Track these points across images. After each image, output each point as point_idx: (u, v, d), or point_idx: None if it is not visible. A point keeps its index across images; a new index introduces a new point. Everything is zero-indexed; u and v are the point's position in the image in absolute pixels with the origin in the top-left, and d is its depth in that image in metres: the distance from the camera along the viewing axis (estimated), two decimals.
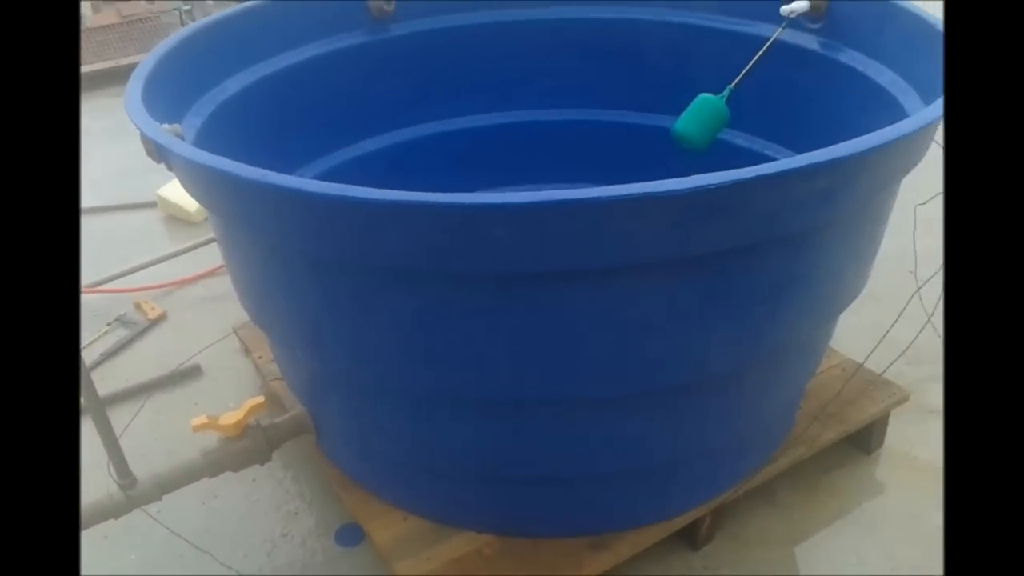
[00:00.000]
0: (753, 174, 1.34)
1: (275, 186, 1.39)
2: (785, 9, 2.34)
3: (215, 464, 2.01)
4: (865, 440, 2.36)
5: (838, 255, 1.72)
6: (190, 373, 2.80)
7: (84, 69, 5.25)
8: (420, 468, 1.95)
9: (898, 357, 2.19)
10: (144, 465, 1.96)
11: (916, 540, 2.14)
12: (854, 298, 1.91)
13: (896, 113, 2.05)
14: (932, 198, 2.21)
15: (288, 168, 2.52)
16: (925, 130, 1.53)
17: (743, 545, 2.14)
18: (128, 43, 5.62)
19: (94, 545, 2.16)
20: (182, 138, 1.73)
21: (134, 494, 1.89)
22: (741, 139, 2.62)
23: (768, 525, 2.20)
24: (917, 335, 2.15)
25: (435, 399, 1.74)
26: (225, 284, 3.04)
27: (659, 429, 1.83)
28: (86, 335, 3.00)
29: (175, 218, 3.77)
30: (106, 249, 3.47)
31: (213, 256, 3.26)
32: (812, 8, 2.35)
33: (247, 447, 2.02)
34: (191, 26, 2.25)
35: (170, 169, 1.71)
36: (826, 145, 1.40)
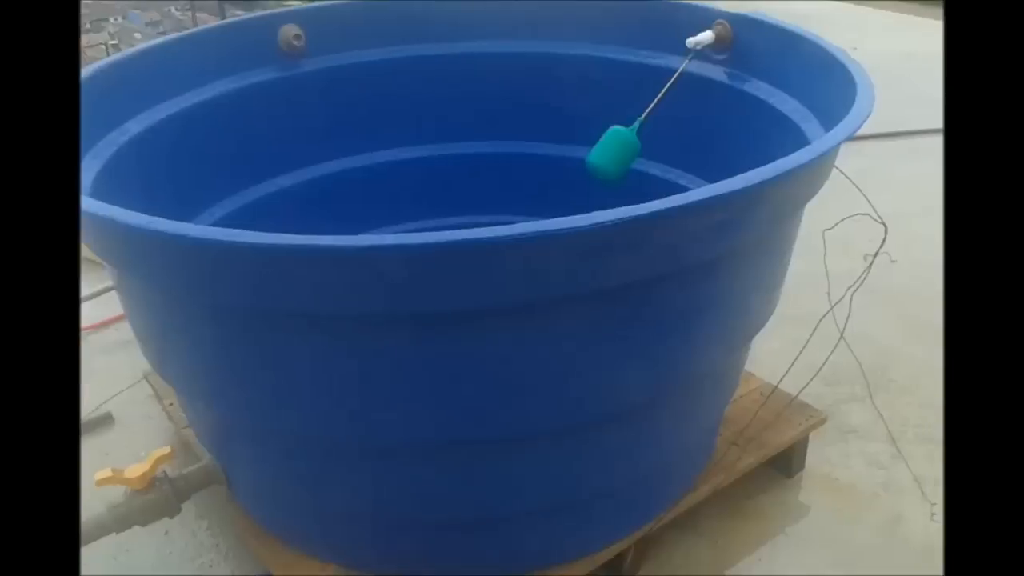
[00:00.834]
0: (648, 211, 1.34)
1: (161, 233, 1.34)
2: (691, 41, 2.38)
3: (121, 519, 1.93)
4: (786, 463, 2.38)
5: (745, 282, 1.73)
6: (101, 421, 2.69)
7: None
8: (332, 515, 1.90)
9: (812, 378, 2.21)
10: None
11: (841, 562, 2.16)
12: (764, 323, 1.93)
13: (798, 139, 2.09)
14: (838, 223, 2.27)
15: (197, 208, 2.45)
16: (822, 159, 1.56)
17: (670, 574, 2.13)
18: None
19: None
20: None
21: None
22: (656, 169, 2.64)
23: (694, 553, 2.19)
24: (830, 354, 2.19)
25: (343, 445, 1.70)
26: None
27: (578, 463, 1.81)
28: None
29: (88, 259, 3.64)
30: None
31: None
32: (717, 39, 2.39)
33: (154, 500, 1.94)
34: (89, 66, 2.18)
35: None
36: (735, 173, 1.41)
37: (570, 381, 1.58)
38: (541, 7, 2.72)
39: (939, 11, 6.38)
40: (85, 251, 3.58)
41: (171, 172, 2.29)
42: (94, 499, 2.03)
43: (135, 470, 1.92)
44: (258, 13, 2.67)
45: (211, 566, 2.19)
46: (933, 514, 2.26)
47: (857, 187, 2.03)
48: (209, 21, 5.17)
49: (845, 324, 2.13)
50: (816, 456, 2.44)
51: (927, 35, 6.13)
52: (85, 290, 3.31)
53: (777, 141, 2.21)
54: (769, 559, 2.18)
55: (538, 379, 1.56)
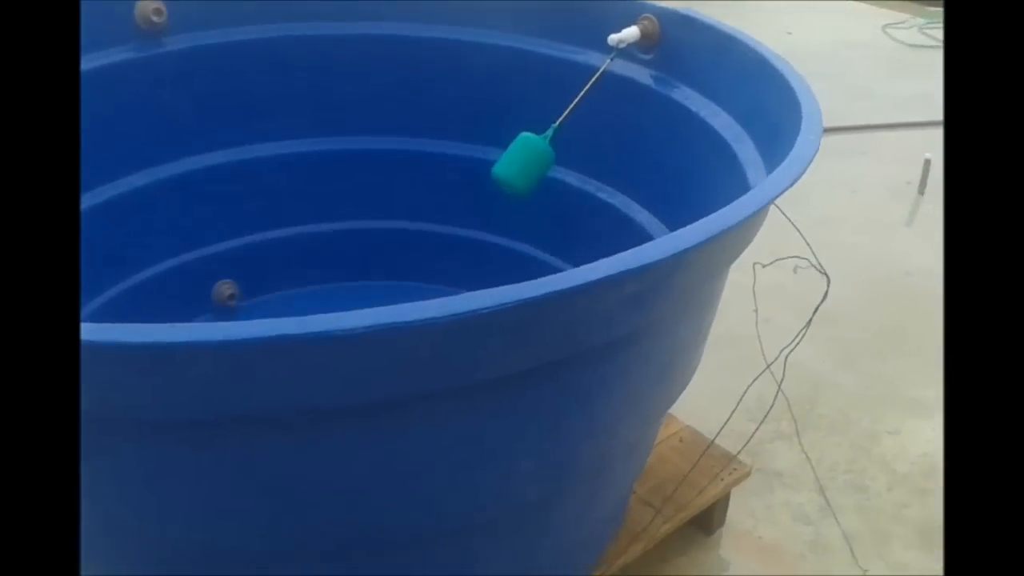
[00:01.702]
0: (542, 291, 1.03)
1: None
2: (613, 38, 2.06)
3: None
4: (706, 520, 2.12)
5: (662, 352, 1.44)
6: None
7: None
8: None
9: (732, 413, 1.93)
10: None
11: None
12: (684, 388, 1.65)
13: (730, 164, 1.81)
14: (773, 262, 2.00)
15: None
16: (756, 216, 1.27)
17: None
18: None
19: None
20: None
21: None
22: (573, 178, 2.33)
23: None
24: (751, 383, 1.93)
25: (177, 558, 1.36)
26: None
27: (482, 560, 1.51)
28: None
29: None
30: None
31: None
32: (643, 36, 2.07)
33: None
34: None
35: None
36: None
37: (448, 484, 1.27)
38: None
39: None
40: None
41: None
42: None
43: None
44: None
45: None
46: None
47: (795, 227, 1.75)
48: None
49: (783, 361, 1.86)
50: (739, 508, 2.19)
51: (863, 22, 5.93)
52: None
53: (707, 160, 1.93)
54: None
55: (407, 484, 1.24)
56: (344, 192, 2.52)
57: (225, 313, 2.49)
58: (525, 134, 2.07)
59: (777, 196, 1.25)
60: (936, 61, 4.89)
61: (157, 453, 1.16)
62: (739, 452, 2.08)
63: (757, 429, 2.12)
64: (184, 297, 2.42)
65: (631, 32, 2.06)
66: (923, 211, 3.67)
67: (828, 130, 4.36)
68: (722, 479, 2.06)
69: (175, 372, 1.01)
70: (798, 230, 1.73)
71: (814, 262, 1.72)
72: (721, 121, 1.91)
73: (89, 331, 0.92)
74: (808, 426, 2.47)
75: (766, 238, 1.58)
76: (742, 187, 1.70)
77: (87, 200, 2.20)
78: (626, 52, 2.11)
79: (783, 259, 1.87)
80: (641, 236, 2.15)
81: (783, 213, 1.64)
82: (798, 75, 1.75)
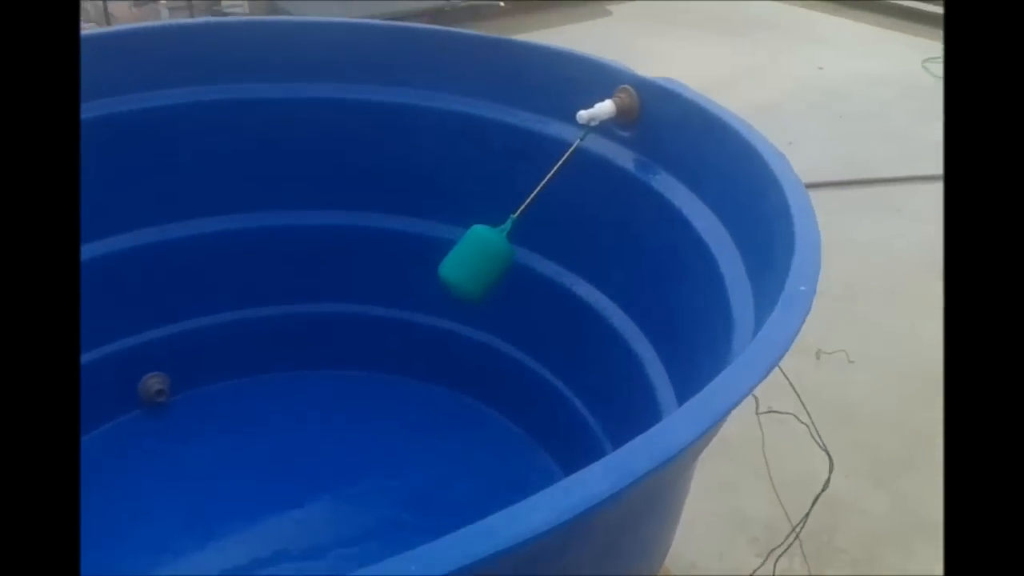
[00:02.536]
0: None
1: None
2: (583, 115, 1.72)
3: None
4: None
5: (620, 555, 1.10)
6: None
7: None
8: None
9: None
10: None
11: None
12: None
13: (711, 274, 1.47)
14: (766, 412, 1.64)
15: None
16: (720, 420, 0.92)
17: None
18: None
19: None
20: None
21: None
22: (548, 267, 2.00)
23: None
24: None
25: None
26: None
27: None
28: None
29: None
30: None
31: None
32: (619, 112, 1.74)
33: None
34: None
35: None
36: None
37: None
38: (398, 47, 2.04)
39: (923, 27, 5.77)
40: None
41: None
42: None
43: None
44: None
45: None
46: None
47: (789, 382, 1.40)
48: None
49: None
50: None
51: (901, 55, 5.51)
52: None
53: (687, 267, 1.61)
54: None
55: None
56: (283, 272, 2.21)
57: (155, 410, 2.20)
58: (478, 228, 1.75)
59: (741, 399, 0.91)
60: None
61: None
62: None
63: (761, 566, 1.77)
64: (108, 392, 2.12)
65: (605, 108, 1.73)
66: None
67: (857, 182, 4.02)
68: None
69: None
70: (793, 387, 1.38)
71: (813, 434, 1.36)
72: (705, 223, 1.57)
73: None
74: (825, 562, 2.09)
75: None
76: (723, 309, 1.38)
77: None
78: (602, 126, 1.78)
79: (779, 413, 1.52)
80: (613, 337, 1.84)
81: (782, 372, 1.29)
82: (795, 181, 1.40)
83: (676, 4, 6.12)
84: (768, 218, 1.38)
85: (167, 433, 2.12)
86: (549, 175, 1.76)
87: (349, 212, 2.17)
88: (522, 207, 1.75)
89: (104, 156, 1.98)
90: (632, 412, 1.73)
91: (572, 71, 1.88)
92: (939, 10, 5.70)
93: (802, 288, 1.05)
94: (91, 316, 2.02)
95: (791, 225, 1.28)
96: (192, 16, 4.75)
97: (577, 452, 1.93)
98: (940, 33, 5.68)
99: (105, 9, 4.64)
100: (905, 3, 6.06)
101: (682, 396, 1.55)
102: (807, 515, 1.42)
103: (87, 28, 4.10)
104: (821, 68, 5.16)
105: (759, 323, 1.27)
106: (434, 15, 5.18)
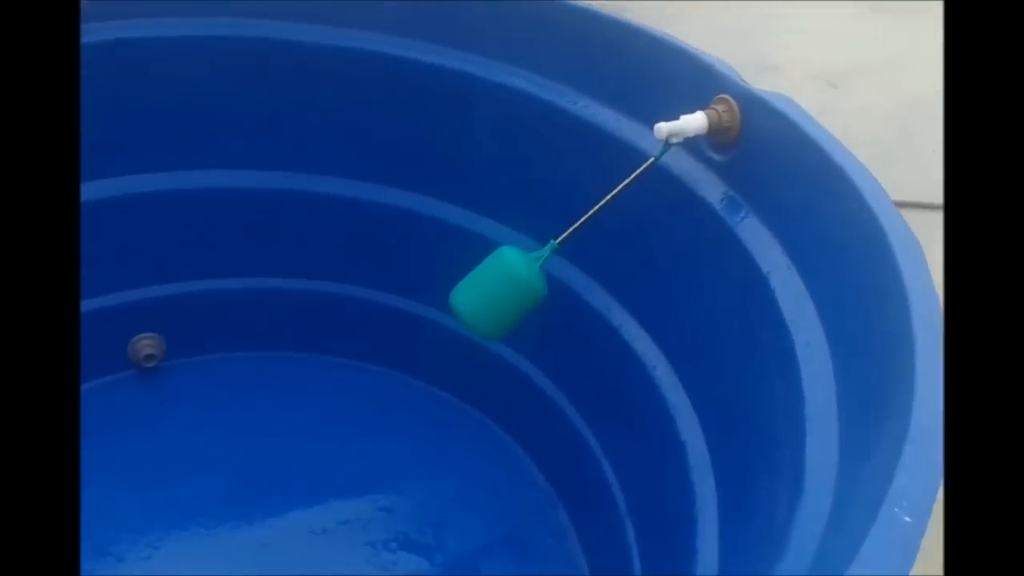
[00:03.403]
0: None
1: None
2: (663, 129, 1.34)
3: None
4: None
5: None
6: None
7: None
8: None
9: None
10: None
11: None
12: None
13: (788, 371, 1.11)
14: None
15: None
16: None
17: None
18: None
19: None
20: None
21: None
22: (598, 299, 1.64)
23: None
24: None
25: None
26: None
27: None
28: None
29: None
30: None
31: None
32: (713, 131, 1.35)
33: None
34: None
35: None
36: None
37: None
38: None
39: None
40: None
41: None
42: None
43: None
44: None
45: None
46: None
47: None
48: None
49: None
50: None
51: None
52: None
53: (757, 343, 1.23)
54: None
55: None
56: (305, 243, 1.92)
57: (143, 376, 1.97)
58: (506, 251, 1.40)
59: None
60: None
61: None
62: None
63: None
64: (97, 351, 1.89)
65: (693, 122, 1.34)
66: None
67: None
68: None
69: None
70: None
71: None
72: (790, 291, 1.19)
73: None
74: None
75: None
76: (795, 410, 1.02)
77: None
78: (689, 143, 1.40)
79: None
80: (650, 387, 1.50)
81: None
82: (918, 255, 1.01)
83: None
84: (872, 306, 1.01)
85: (143, 408, 1.88)
86: (607, 197, 1.39)
87: (378, 186, 1.85)
88: (567, 232, 1.40)
89: (106, 87, 1.71)
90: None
91: (665, 66, 1.49)
92: None
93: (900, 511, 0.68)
94: (85, 264, 1.85)
95: (909, 328, 0.90)
96: None
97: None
98: None
99: None
100: None
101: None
102: None
103: None
104: (836, 87, 4.41)
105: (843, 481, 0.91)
106: None
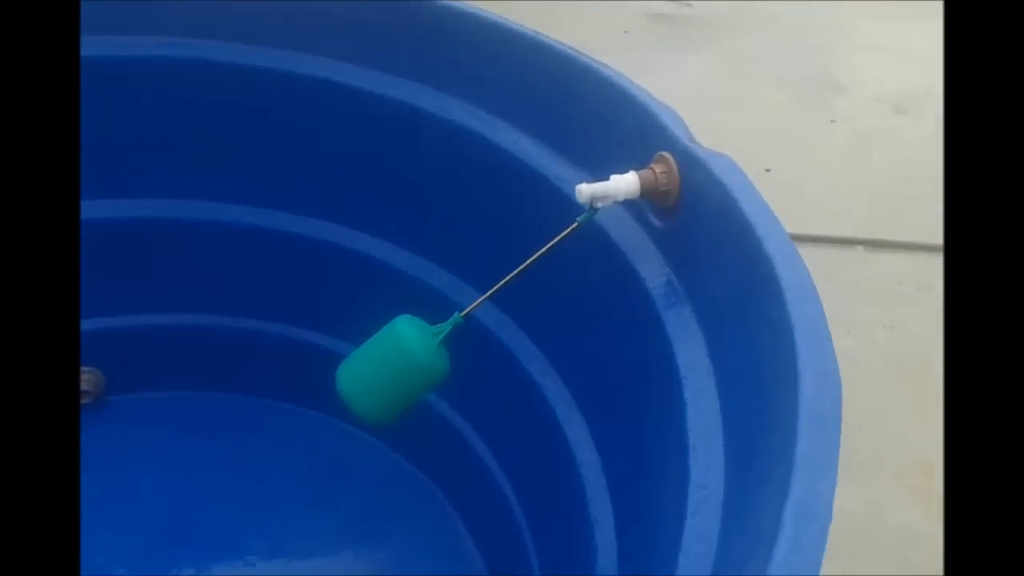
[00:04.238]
0: None
1: None
2: (584, 191, 1.14)
3: None
4: None
5: None
6: None
7: None
8: None
9: None
10: None
11: None
12: None
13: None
14: None
15: None
16: None
17: None
18: None
19: None
20: None
21: None
22: (502, 328, 1.45)
23: None
24: None
25: None
26: None
27: None
28: None
29: None
30: None
31: None
32: (646, 189, 1.15)
33: None
34: None
35: None
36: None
37: None
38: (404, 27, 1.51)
39: None
40: None
41: None
42: None
43: None
44: None
45: None
46: None
47: None
48: None
49: None
50: None
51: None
52: None
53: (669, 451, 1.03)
54: None
55: None
56: (229, 278, 1.77)
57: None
58: (402, 322, 1.22)
59: None
60: None
61: None
62: None
63: None
64: None
65: (624, 184, 1.14)
66: None
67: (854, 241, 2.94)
68: None
69: None
70: None
71: None
72: (703, 405, 0.99)
73: None
74: None
75: None
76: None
77: None
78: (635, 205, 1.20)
79: None
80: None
81: None
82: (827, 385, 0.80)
83: None
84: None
85: None
86: (527, 262, 1.20)
87: (327, 224, 1.69)
88: (475, 303, 1.21)
89: None
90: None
91: (611, 112, 1.28)
92: None
93: None
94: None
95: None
96: None
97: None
98: None
99: None
100: None
101: None
102: None
103: None
104: (833, 122, 3.93)
105: None
106: None
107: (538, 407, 1.38)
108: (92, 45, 1.54)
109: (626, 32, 4.26)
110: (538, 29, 1.40)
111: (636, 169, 1.15)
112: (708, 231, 1.09)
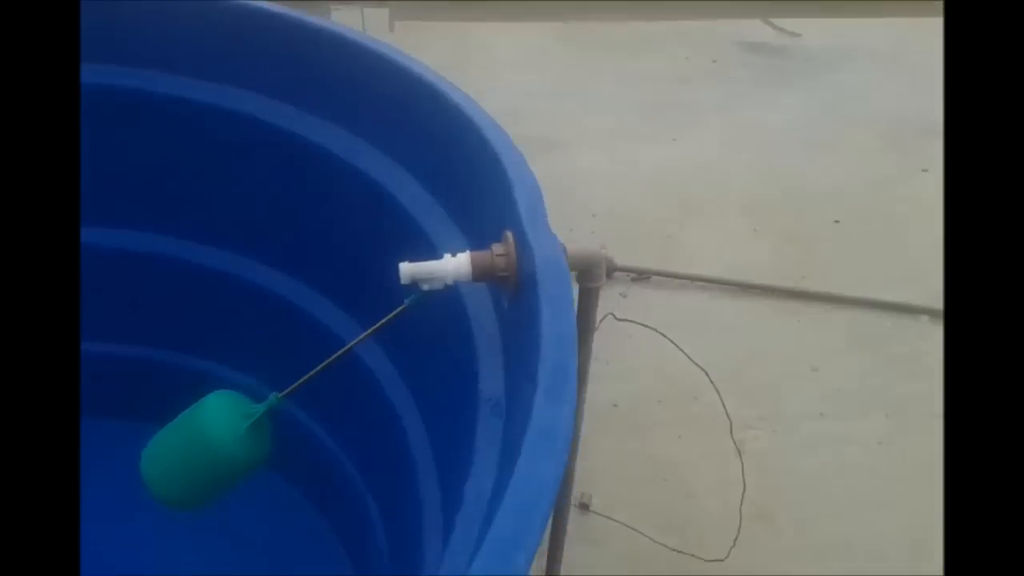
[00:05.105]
0: None
1: None
2: (406, 271, 1.00)
3: None
4: None
5: None
6: None
7: None
8: None
9: None
10: None
11: None
12: None
13: None
14: None
15: None
16: None
17: None
18: None
19: None
20: None
21: None
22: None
23: None
24: None
25: None
26: None
27: None
28: None
29: None
30: None
31: None
32: (477, 271, 0.99)
33: None
34: None
35: None
36: None
37: None
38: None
39: None
40: None
41: None
42: None
43: None
44: None
45: None
46: None
47: None
48: None
49: None
50: None
51: None
52: None
53: None
54: None
55: None
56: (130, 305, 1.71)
57: None
58: (213, 399, 1.10)
59: None
60: None
61: None
62: None
63: None
64: None
65: (451, 267, 0.99)
66: None
67: (801, 295, 2.57)
68: None
69: None
70: None
71: None
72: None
73: None
74: None
75: None
76: None
77: None
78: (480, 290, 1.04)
79: None
80: None
81: None
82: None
83: None
84: None
85: None
86: (348, 345, 1.06)
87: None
88: (294, 385, 1.08)
89: None
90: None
91: (480, 168, 1.13)
92: None
93: None
94: None
95: None
96: None
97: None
98: None
99: None
100: None
101: None
102: None
103: None
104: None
105: None
106: None
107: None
108: None
109: (714, 61, 4.00)
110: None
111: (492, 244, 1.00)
112: (528, 328, 0.92)
